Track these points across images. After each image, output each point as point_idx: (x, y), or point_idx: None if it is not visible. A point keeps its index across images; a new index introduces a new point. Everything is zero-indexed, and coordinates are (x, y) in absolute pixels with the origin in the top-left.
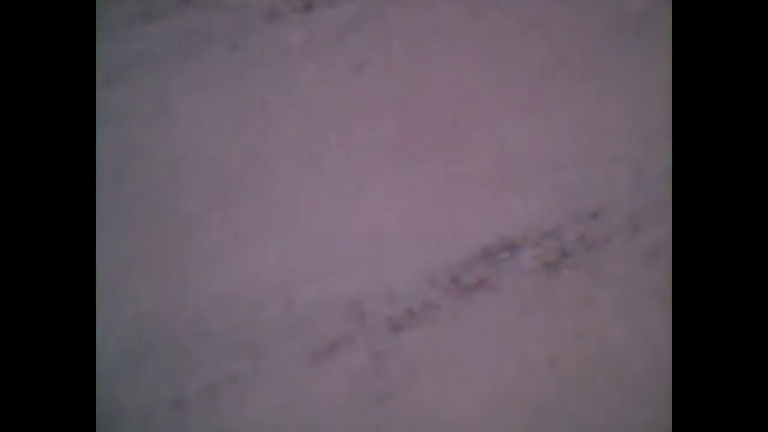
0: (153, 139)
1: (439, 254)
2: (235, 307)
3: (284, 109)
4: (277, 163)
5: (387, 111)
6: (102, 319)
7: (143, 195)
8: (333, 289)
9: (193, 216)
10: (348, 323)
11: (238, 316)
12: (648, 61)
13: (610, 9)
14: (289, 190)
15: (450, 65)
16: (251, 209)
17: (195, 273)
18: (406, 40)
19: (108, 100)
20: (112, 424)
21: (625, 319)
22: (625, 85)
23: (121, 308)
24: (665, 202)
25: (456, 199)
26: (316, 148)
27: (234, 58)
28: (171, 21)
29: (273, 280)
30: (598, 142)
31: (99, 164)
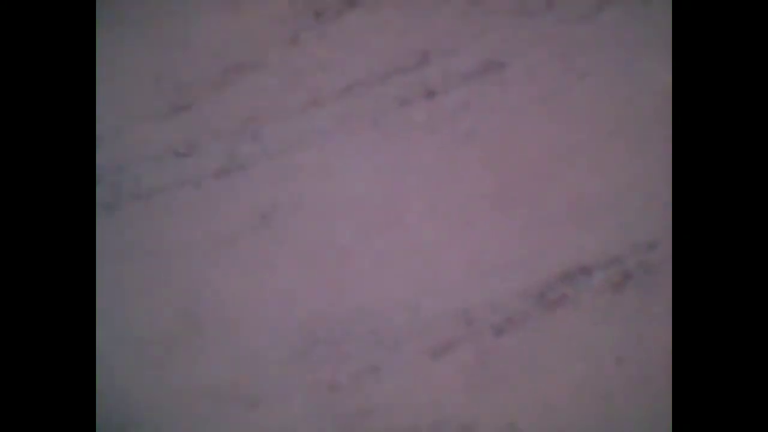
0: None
1: (529, 276)
2: (376, 315)
3: (412, 168)
4: (405, 208)
5: (487, 170)
6: (279, 318)
7: (309, 233)
8: (448, 301)
9: (345, 247)
10: (459, 328)
11: (377, 321)
12: None
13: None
14: (415, 228)
15: (535, 132)
16: (388, 242)
17: (347, 290)
18: (503, 114)
19: None
20: (281, 402)
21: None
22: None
23: (294, 311)
24: None
25: (541, 235)
26: (434, 197)
27: (376, 131)
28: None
29: (403, 295)
30: (654, 187)
31: None
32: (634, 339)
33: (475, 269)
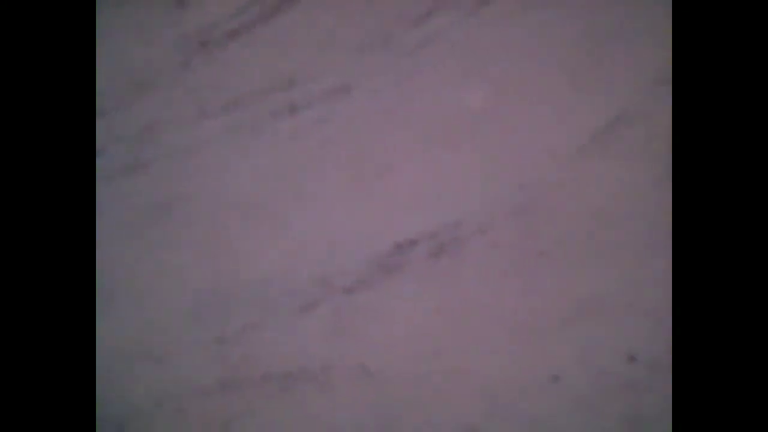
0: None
1: (371, 247)
2: (255, 284)
3: (281, 167)
4: (277, 198)
5: (341, 170)
6: (177, 288)
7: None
8: (310, 270)
9: (231, 231)
10: (319, 290)
11: (256, 288)
12: None
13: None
14: (283, 215)
15: (378, 135)
16: (263, 227)
17: (232, 265)
18: (352, 125)
19: None
20: (181, 355)
21: None
22: None
23: (189, 282)
24: None
25: (379, 215)
26: (300, 189)
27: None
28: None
29: (276, 268)
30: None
31: None
32: (449, 294)
33: (330, 245)
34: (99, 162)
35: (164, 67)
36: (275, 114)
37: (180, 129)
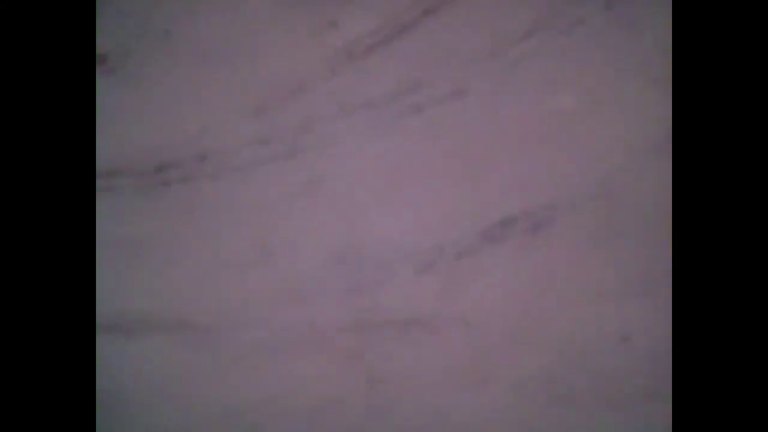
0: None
1: (477, 222)
2: (380, 247)
3: (404, 157)
4: (402, 182)
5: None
6: (318, 248)
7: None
8: (428, 239)
9: (364, 203)
10: (434, 255)
11: (382, 251)
12: None
13: None
14: (409, 196)
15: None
16: (393, 204)
17: (364, 228)
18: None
19: None
20: (318, 300)
21: None
22: None
23: (332, 243)
24: None
25: (483, 197)
26: (420, 177)
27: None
28: None
29: (403, 235)
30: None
31: None
32: (541, 263)
33: (444, 218)
34: (262, 150)
35: (317, 76)
36: (403, 113)
37: (326, 124)
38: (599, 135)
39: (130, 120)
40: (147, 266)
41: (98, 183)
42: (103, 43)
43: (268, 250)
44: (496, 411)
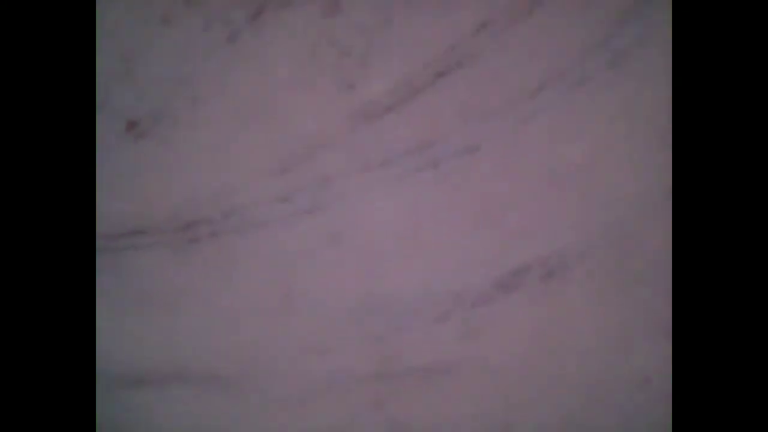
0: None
1: (492, 271)
2: (399, 297)
3: (424, 207)
4: (424, 234)
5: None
6: (344, 291)
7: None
8: (445, 287)
9: (389, 250)
10: (451, 303)
11: (403, 300)
12: None
13: None
14: (429, 243)
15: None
16: (413, 251)
17: (385, 280)
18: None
19: None
20: (343, 349)
21: None
22: None
23: (351, 295)
24: None
25: (499, 246)
26: (439, 225)
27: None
28: None
29: (422, 284)
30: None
31: None
32: (556, 309)
33: (462, 267)
34: (285, 206)
35: (337, 134)
36: (419, 168)
37: (346, 180)
38: (607, 184)
39: (159, 181)
40: (175, 320)
41: (127, 241)
42: (134, 109)
43: (292, 301)
44: None
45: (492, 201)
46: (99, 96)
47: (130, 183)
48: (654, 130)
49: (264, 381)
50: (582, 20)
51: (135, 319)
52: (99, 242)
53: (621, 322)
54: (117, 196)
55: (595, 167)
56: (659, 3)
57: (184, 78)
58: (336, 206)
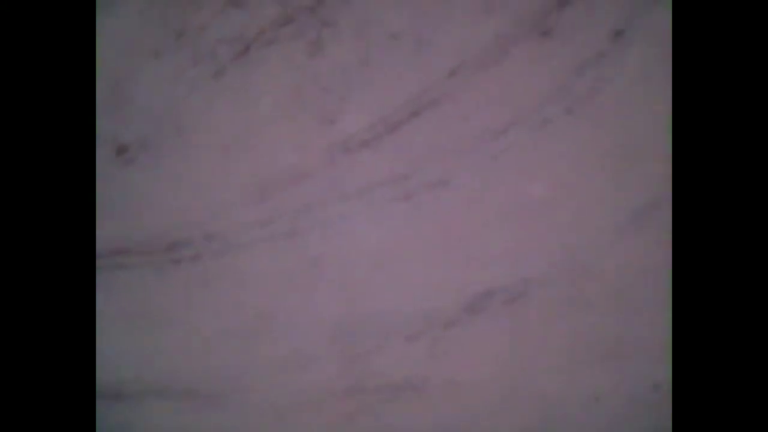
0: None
1: (462, 293)
2: (375, 317)
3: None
4: (405, 255)
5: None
6: (320, 314)
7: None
8: (417, 306)
9: (366, 275)
10: (423, 324)
11: (378, 320)
12: None
13: None
14: (403, 266)
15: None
16: (389, 275)
17: (364, 299)
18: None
19: None
20: (316, 369)
21: None
22: None
23: (327, 314)
24: None
25: (466, 272)
26: (416, 248)
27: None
28: None
29: (393, 306)
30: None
31: None
32: (518, 331)
33: (431, 290)
34: (265, 230)
35: (316, 166)
36: (393, 199)
37: (324, 208)
38: (567, 218)
39: (145, 204)
40: (157, 337)
41: (113, 260)
42: (124, 134)
43: (270, 321)
44: None
45: (460, 231)
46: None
47: (118, 205)
48: (608, 169)
49: (242, 397)
50: (544, 69)
51: (116, 335)
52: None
53: (576, 343)
54: (105, 217)
55: (555, 202)
56: (613, 57)
57: (171, 108)
58: (314, 232)
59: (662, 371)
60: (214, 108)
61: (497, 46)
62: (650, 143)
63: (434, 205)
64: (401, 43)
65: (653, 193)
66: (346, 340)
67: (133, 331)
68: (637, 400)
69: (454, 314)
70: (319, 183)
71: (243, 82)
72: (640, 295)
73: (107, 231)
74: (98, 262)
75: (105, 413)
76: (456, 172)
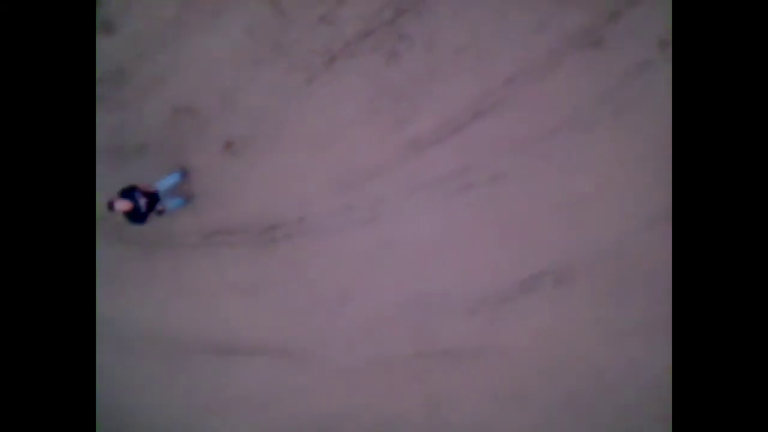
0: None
1: (513, 277)
2: (439, 295)
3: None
4: (457, 246)
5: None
6: (396, 291)
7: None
8: (476, 288)
9: (422, 263)
10: (479, 302)
11: (440, 298)
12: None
13: None
14: (462, 257)
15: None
16: (446, 261)
17: (423, 281)
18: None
19: None
20: (392, 336)
21: None
22: None
23: (406, 291)
24: None
25: (516, 260)
26: (471, 243)
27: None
28: None
29: (459, 284)
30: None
31: None
32: (564, 308)
33: (490, 272)
34: (346, 216)
35: (391, 162)
36: (457, 191)
37: (397, 198)
38: (609, 210)
39: (248, 192)
40: (256, 304)
41: (220, 239)
42: (231, 132)
43: (350, 294)
44: (531, 427)
45: (515, 219)
46: (201, 122)
47: (224, 191)
48: (651, 167)
49: (326, 357)
50: (592, 78)
51: (223, 303)
52: (197, 238)
53: (617, 322)
54: (214, 202)
55: (601, 196)
56: (658, 64)
57: (270, 110)
58: (389, 218)
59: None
60: (305, 110)
61: (550, 59)
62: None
63: (493, 196)
64: (465, 55)
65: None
66: (414, 312)
67: (236, 299)
68: (666, 371)
69: (509, 292)
70: (393, 176)
71: (330, 89)
72: (668, 280)
73: (215, 214)
74: (207, 240)
75: (216, 366)
76: (512, 167)
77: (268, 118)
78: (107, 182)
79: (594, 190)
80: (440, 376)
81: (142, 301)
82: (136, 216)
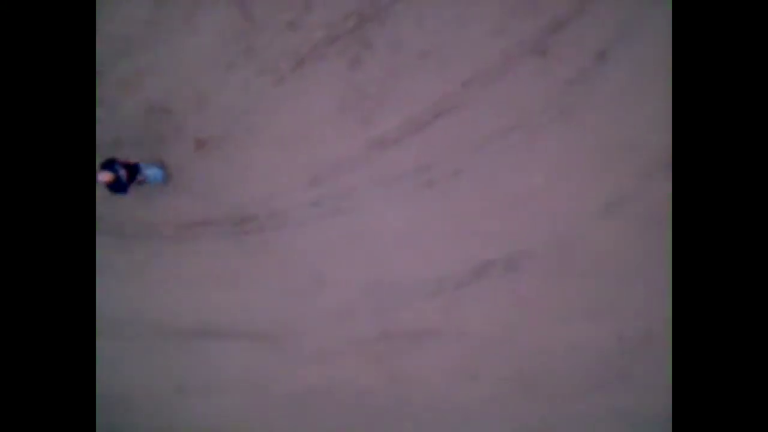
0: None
1: (468, 264)
2: (397, 282)
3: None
4: (424, 234)
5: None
6: (364, 279)
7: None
8: (436, 272)
9: (390, 247)
10: (436, 285)
11: (401, 283)
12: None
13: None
14: (426, 247)
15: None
16: (412, 252)
17: (388, 268)
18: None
19: None
20: (357, 318)
21: None
22: None
23: (375, 276)
24: None
25: (473, 251)
26: (438, 232)
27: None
28: None
29: (418, 271)
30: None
31: None
32: (514, 292)
33: (446, 259)
34: (315, 210)
35: (357, 158)
36: (419, 186)
37: (363, 192)
38: (558, 203)
39: (220, 187)
40: (232, 292)
41: (195, 230)
42: (203, 132)
43: (319, 282)
44: (483, 401)
45: (471, 212)
46: (175, 121)
47: (199, 187)
48: (590, 165)
49: (297, 339)
50: (539, 83)
51: (199, 290)
52: (172, 230)
53: (563, 306)
54: (189, 196)
55: (547, 191)
56: (603, 71)
57: (241, 110)
58: (355, 212)
59: (627, 327)
60: (275, 110)
61: (503, 64)
62: (626, 146)
63: (451, 190)
64: (426, 60)
65: (625, 187)
66: (378, 298)
67: (211, 288)
68: (607, 350)
69: (463, 278)
70: (359, 171)
71: (299, 90)
72: (612, 267)
73: (190, 208)
74: (183, 232)
75: (194, 349)
76: (469, 164)
77: (240, 117)
78: None
79: (541, 186)
80: (402, 355)
81: (121, 290)
82: (117, 186)
